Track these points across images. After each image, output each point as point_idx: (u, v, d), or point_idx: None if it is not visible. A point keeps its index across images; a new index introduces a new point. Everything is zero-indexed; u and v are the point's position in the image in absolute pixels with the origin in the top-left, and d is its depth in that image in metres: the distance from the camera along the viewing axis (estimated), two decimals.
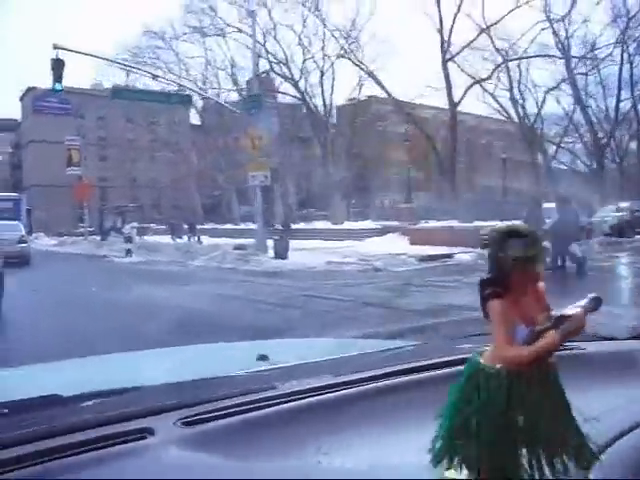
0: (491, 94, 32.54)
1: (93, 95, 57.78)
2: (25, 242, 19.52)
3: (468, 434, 0.66)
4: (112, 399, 1.07)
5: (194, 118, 54.33)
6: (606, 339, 1.32)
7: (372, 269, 15.35)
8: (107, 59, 22.35)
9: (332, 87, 37.81)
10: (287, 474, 0.79)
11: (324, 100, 37.34)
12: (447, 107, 31.97)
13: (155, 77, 23.66)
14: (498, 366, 0.64)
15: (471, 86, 31.43)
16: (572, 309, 0.64)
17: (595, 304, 0.65)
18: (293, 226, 32.82)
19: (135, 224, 23.58)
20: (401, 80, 74.48)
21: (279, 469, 0.80)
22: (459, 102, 31.02)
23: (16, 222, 21.19)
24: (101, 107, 59.42)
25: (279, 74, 33.48)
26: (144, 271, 16.84)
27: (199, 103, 43.11)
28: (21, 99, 74.53)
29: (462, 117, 34.08)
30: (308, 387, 1.01)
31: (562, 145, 36.33)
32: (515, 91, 32.97)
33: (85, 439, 0.82)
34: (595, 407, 0.71)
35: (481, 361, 0.66)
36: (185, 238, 29.34)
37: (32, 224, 39.36)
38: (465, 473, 0.67)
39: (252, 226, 37.84)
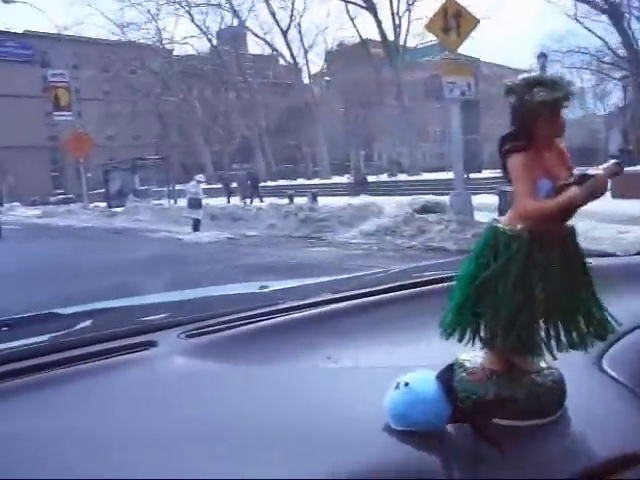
0: None
1: (61, 40, 48.23)
2: None
3: (482, 305, 0.61)
4: (113, 316, 1.08)
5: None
6: (608, 255, 1.33)
7: None
8: None
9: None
10: (293, 375, 0.78)
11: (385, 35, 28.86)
12: None
13: None
14: (519, 226, 0.59)
15: None
16: (594, 170, 0.59)
17: (617, 168, 0.60)
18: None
19: (201, 177, 14.05)
20: None
21: (282, 371, 0.79)
22: None
23: None
24: (72, 54, 49.92)
25: None
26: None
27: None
28: None
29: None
30: (308, 302, 1.02)
31: None
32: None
33: (87, 352, 0.82)
34: None
35: (500, 225, 0.61)
36: (249, 200, 20.84)
37: (2, 192, 31.98)
38: (477, 349, 0.64)
39: (310, 181, 30.79)
